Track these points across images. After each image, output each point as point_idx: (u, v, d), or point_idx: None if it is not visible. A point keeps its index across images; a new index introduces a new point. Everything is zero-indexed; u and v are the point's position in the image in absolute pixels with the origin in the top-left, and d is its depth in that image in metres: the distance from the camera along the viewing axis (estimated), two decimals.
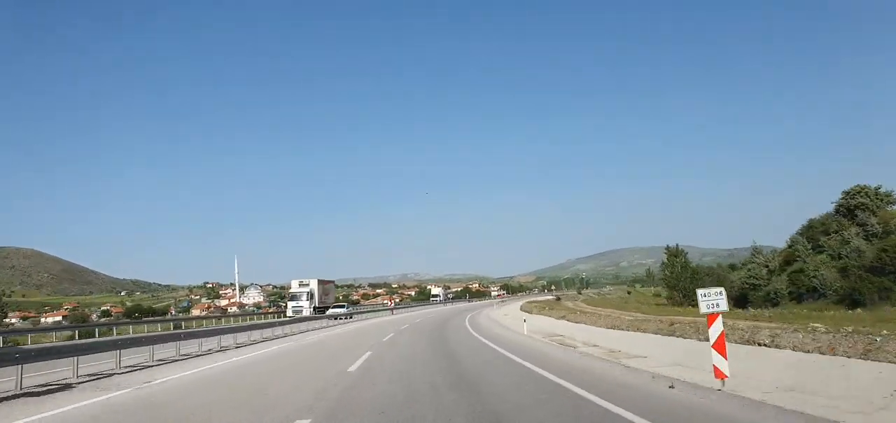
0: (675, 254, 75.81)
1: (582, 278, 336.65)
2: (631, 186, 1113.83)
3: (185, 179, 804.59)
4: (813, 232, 57.78)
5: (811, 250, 54.70)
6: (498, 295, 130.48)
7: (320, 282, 65.52)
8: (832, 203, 57.65)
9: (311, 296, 61.91)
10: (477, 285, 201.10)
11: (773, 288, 53.98)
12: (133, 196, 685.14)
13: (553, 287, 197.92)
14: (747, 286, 58.48)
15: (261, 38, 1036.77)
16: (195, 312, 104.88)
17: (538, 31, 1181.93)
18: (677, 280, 71.39)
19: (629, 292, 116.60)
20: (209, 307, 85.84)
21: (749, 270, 62.44)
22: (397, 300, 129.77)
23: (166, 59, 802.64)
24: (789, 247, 59.11)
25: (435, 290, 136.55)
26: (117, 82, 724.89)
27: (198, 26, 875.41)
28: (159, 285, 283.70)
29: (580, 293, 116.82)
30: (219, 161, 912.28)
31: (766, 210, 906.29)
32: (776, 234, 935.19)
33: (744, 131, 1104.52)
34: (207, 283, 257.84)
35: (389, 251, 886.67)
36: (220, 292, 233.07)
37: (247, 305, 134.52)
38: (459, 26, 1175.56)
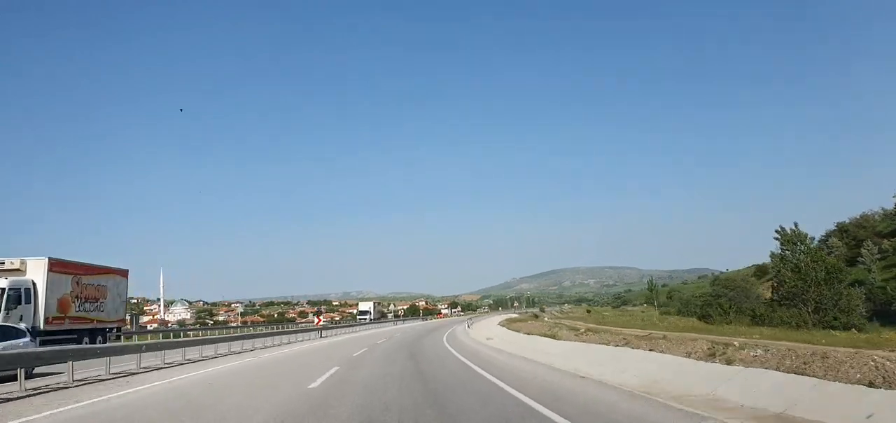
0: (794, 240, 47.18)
1: (527, 296, 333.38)
2: (574, 206, 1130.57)
3: (112, 189, 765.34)
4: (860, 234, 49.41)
5: (878, 257, 46.40)
6: (455, 311, 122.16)
7: None
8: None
9: None
10: (424, 302, 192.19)
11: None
12: (45, 199, 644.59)
13: (534, 301, 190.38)
14: None
15: (190, 44, 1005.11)
16: None
17: (471, 45, 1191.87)
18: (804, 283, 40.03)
19: (589, 311, 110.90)
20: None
21: None
22: (337, 319, 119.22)
23: (82, 60, 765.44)
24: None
25: (363, 305, 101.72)
26: (22, 85, 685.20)
27: (115, 28, 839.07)
28: None
29: (542, 310, 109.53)
30: (148, 171, 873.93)
31: (708, 232, 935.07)
32: (719, 256, 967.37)
33: (686, 154, 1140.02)
34: (132, 298, 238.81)
35: (331, 269, 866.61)
36: (145, 307, 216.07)
37: (170, 322, 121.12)
38: (389, 39, 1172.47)
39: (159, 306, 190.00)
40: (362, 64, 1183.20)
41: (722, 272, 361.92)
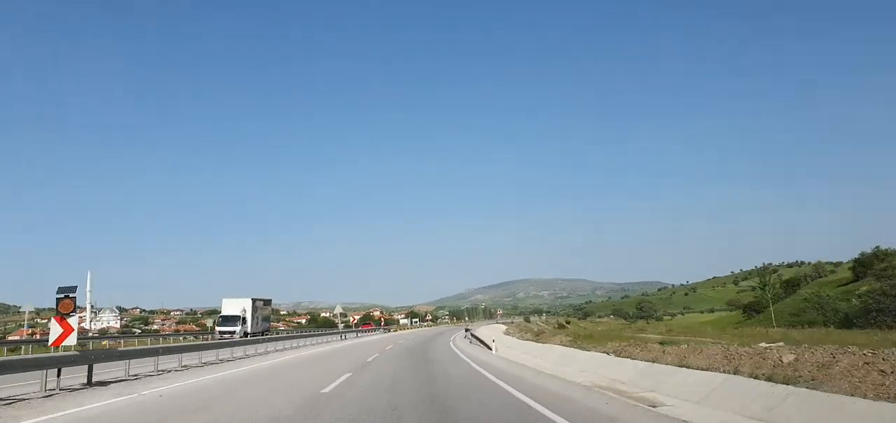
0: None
1: (483, 307, 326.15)
2: (527, 219, 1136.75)
3: (38, 191, 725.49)
4: None
5: None
6: (421, 322, 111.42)
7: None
8: None
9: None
10: (379, 313, 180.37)
11: None
12: None
13: (508, 310, 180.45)
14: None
15: (133, 49, 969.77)
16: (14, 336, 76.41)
17: (424, 59, 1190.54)
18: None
19: (568, 322, 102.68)
20: (31, 333, 60.73)
21: None
22: (281, 329, 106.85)
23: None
24: None
25: (229, 306, 49.02)
26: None
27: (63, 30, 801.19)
28: None
29: (527, 321, 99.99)
30: (79, 172, 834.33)
31: (661, 247, 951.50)
32: (670, 270, 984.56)
33: (640, 169, 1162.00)
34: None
35: (283, 279, 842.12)
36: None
37: (89, 331, 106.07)
38: (345, 50, 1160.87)
39: (87, 312, 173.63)
40: (312, 75, 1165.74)
41: (672, 285, 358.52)
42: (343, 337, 57.62)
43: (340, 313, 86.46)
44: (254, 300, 50.37)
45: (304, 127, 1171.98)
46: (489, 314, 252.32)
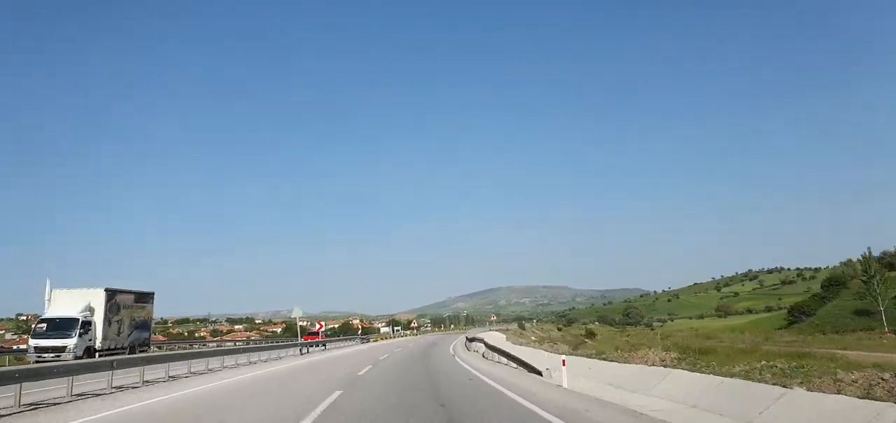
0: None
1: (464, 315, 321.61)
2: (507, 227, 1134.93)
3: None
4: None
5: None
6: (403, 330, 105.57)
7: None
8: None
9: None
10: (359, 321, 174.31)
11: None
12: None
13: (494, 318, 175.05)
14: None
15: (103, 46, 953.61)
16: None
17: (409, 65, 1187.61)
18: None
19: (560, 329, 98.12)
20: None
21: None
22: (253, 338, 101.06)
23: None
24: None
25: (61, 305, 28.73)
26: None
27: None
28: None
29: (522, 328, 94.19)
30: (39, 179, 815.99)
31: (640, 254, 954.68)
32: (651, 279, 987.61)
33: (621, 176, 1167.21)
34: (21, 315, 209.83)
35: (260, 287, 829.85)
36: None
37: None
38: (324, 56, 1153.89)
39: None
40: (290, 81, 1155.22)
41: (655, 292, 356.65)
42: (305, 351, 41.72)
43: (300, 320, 66.04)
44: (110, 293, 31.06)
45: (283, 134, 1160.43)
46: (472, 322, 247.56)
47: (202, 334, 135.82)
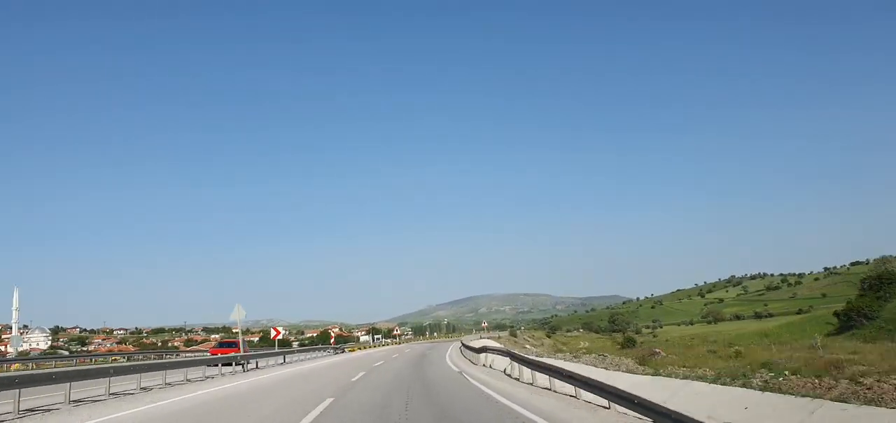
0: None
1: (446, 323, 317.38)
2: (487, 234, 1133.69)
3: None
4: None
5: None
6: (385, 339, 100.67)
7: None
8: None
9: None
10: (338, 329, 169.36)
11: None
12: None
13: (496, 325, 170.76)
14: None
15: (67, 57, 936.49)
16: None
17: (387, 77, 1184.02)
18: None
19: (549, 336, 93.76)
20: None
21: None
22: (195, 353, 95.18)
23: None
24: None
25: None
26: None
27: None
28: None
29: (514, 336, 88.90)
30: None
31: (621, 262, 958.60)
32: (630, 286, 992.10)
33: (598, 181, 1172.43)
34: None
35: (238, 295, 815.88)
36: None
37: (6, 353, 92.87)
38: (293, 62, 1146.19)
39: (12, 332, 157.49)
40: (258, 90, 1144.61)
41: (638, 299, 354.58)
42: (219, 372, 26.64)
43: (236, 329, 51.81)
44: None
45: (259, 142, 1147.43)
46: (453, 329, 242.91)
47: (175, 344, 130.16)
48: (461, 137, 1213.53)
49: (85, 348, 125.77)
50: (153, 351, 74.72)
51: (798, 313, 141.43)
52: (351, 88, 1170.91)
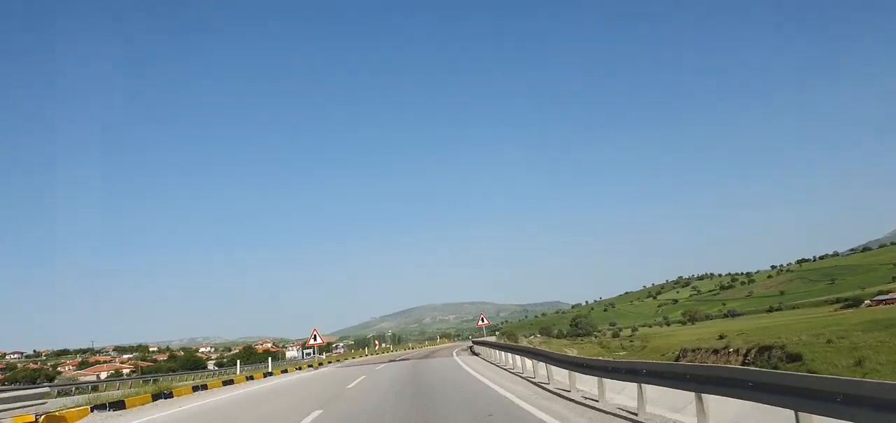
0: None
1: (390, 334, 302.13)
2: (428, 244, 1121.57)
3: None
4: None
5: None
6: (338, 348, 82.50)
7: None
8: None
9: None
10: (270, 344, 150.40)
11: None
12: None
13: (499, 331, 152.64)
14: None
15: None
16: None
17: (317, 78, 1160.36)
18: None
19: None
20: None
21: None
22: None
23: None
24: None
25: None
26: None
27: None
28: None
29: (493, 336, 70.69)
30: None
31: (563, 268, 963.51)
32: (571, 291, 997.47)
33: (544, 189, 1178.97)
34: None
35: (173, 314, 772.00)
36: None
37: None
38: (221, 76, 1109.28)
39: None
40: (199, 107, 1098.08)
41: (575, 305, 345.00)
42: None
43: None
44: None
45: (199, 153, 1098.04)
46: (397, 341, 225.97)
47: (67, 366, 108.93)
48: (394, 149, 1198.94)
49: None
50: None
51: (769, 311, 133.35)
52: (283, 100, 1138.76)
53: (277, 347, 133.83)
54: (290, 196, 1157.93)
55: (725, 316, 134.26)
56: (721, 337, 61.64)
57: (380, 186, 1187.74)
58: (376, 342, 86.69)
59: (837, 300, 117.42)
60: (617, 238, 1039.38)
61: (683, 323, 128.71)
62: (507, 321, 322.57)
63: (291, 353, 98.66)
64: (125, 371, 77.78)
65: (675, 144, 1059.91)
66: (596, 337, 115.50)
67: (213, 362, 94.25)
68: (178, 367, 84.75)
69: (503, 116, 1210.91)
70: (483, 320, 47.72)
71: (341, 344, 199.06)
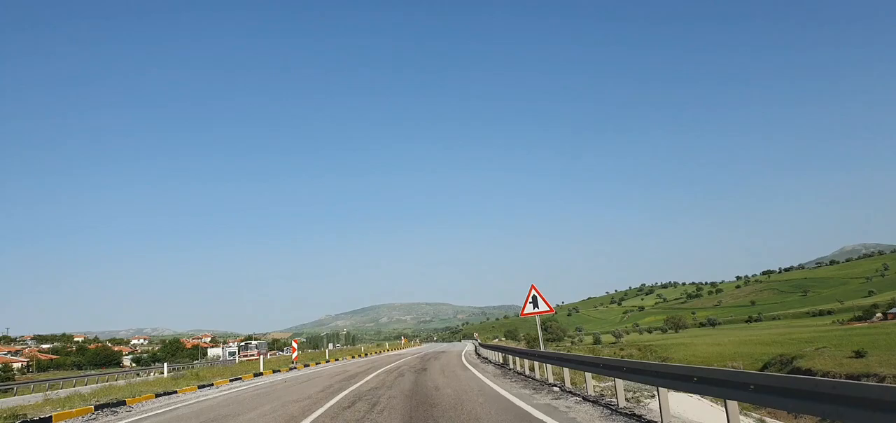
0: None
1: (345, 333, 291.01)
2: (387, 242, 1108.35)
3: None
4: None
5: None
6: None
7: None
8: None
9: None
10: (209, 339, 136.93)
11: None
12: None
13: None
14: None
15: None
16: None
17: (293, 76, 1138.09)
18: None
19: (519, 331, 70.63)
20: None
21: None
22: None
23: None
24: None
25: None
26: None
27: None
28: None
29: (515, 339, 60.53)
30: None
31: (517, 273, 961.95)
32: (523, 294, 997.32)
33: (504, 194, 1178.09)
34: None
35: (114, 303, 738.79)
36: None
37: None
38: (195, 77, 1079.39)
39: None
40: (166, 99, 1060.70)
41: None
42: None
43: None
44: None
45: (155, 144, 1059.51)
46: (352, 341, 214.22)
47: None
48: (359, 149, 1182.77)
49: None
50: None
51: (748, 321, 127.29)
52: (246, 90, 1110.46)
53: (217, 343, 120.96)
54: (247, 191, 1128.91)
55: (701, 325, 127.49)
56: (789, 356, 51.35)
57: (338, 183, 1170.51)
58: (330, 345, 75.19)
59: (821, 312, 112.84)
60: (578, 243, 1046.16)
61: (664, 331, 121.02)
62: (467, 324, 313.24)
63: (214, 351, 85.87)
64: (16, 366, 64.47)
65: (636, 151, 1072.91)
66: (572, 342, 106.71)
67: (130, 357, 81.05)
68: (86, 363, 71.99)
69: (468, 118, 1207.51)
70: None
71: (295, 341, 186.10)
